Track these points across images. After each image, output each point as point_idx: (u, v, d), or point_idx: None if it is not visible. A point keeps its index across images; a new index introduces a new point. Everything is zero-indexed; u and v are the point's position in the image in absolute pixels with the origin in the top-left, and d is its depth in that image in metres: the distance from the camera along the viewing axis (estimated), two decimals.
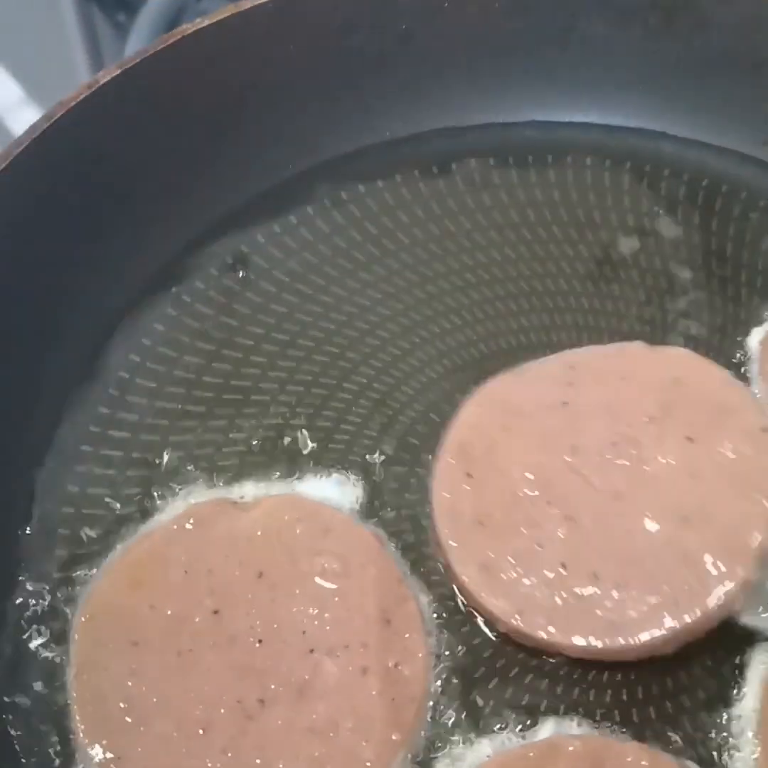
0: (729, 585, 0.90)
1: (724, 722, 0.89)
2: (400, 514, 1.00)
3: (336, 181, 1.24)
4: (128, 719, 0.88)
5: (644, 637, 0.89)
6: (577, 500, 0.95)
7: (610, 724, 0.89)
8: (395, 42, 1.24)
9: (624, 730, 0.89)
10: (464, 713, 0.90)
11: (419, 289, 1.15)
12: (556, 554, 0.92)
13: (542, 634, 0.90)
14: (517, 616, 0.90)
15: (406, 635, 0.91)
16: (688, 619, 0.89)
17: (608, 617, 0.89)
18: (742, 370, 1.06)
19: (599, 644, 0.89)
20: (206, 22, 1.14)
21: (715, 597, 0.89)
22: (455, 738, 0.89)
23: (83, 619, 0.93)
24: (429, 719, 0.89)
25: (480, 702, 0.90)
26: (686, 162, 1.27)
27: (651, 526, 0.93)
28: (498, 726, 0.89)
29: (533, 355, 1.07)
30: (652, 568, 0.91)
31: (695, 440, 0.97)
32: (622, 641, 0.89)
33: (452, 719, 0.89)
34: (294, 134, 1.24)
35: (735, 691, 0.90)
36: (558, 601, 0.90)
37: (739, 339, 1.10)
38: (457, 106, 1.29)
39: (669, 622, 0.89)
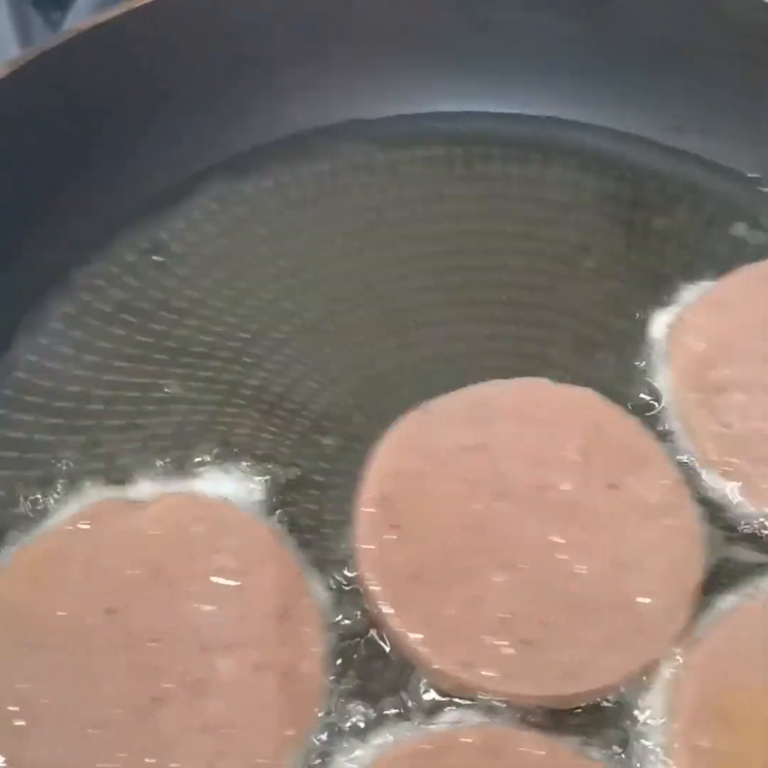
0: (674, 627, 0.90)
1: (630, 708, 0.89)
2: (301, 509, 0.99)
3: (233, 177, 1.23)
4: (21, 722, 0.86)
5: (597, 683, 0.88)
6: (512, 547, 0.93)
7: (509, 715, 0.88)
8: (301, 35, 1.23)
9: (523, 719, 0.88)
10: (362, 707, 0.88)
11: (317, 293, 1.15)
12: (499, 603, 0.90)
13: (494, 687, 0.87)
14: (466, 670, 0.88)
15: (303, 631, 0.90)
16: (639, 663, 0.88)
17: (561, 665, 0.88)
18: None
19: (554, 693, 0.88)
20: (100, 19, 1.13)
21: (664, 641, 0.89)
22: (353, 732, 0.87)
23: None
24: (327, 714, 0.88)
25: (376, 695, 0.89)
26: (595, 149, 1.27)
27: (591, 571, 0.92)
28: (397, 719, 0.88)
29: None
30: (598, 614, 0.90)
31: (618, 487, 0.97)
32: (577, 689, 0.88)
33: (350, 713, 0.88)
34: (195, 131, 1.24)
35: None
36: (508, 651, 0.88)
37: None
38: (365, 99, 1.29)
39: (622, 668, 0.88)
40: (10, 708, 0.86)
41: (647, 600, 0.91)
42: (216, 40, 1.21)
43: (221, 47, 1.22)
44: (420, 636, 0.89)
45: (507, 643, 0.89)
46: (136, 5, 1.14)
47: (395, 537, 0.94)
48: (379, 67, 1.27)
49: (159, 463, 1.01)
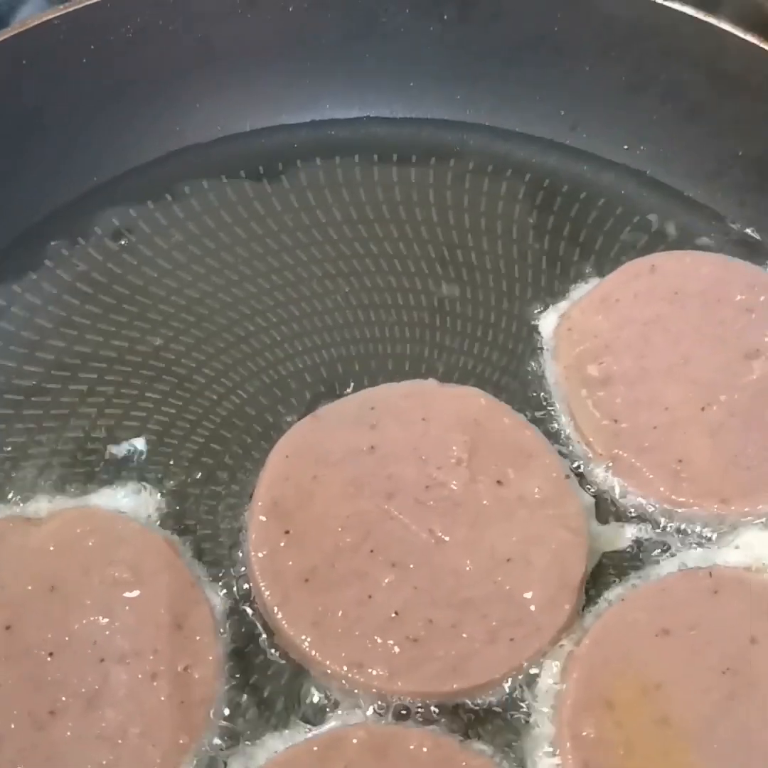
0: (559, 620, 0.92)
1: (517, 701, 0.91)
2: (197, 519, 1.01)
3: (140, 191, 1.25)
4: None
5: (483, 678, 0.90)
6: (400, 546, 0.95)
7: (398, 713, 0.90)
8: (193, 47, 1.24)
9: (411, 716, 0.90)
10: (255, 712, 0.90)
11: (214, 303, 1.17)
12: (387, 603, 0.92)
13: (383, 685, 0.89)
14: (355, 669, 0.90)
15: (198, 638, 0.92)
16: (524, 657, 0.91)
17: (447, 661, 0.90)
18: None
19: (442, 689, 0.90)
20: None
21: (547, 633, 0.91)
22: (246, 737, 0.89)
23: None
24: (220, 720, 0.89)
25: (270, 699, 0.92)
26: (487, 150, 1.30)
27: (476, 567, 0.94)
28: (289, 722, 0.90)
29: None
30: (482, 609, 0.92)
31: (504, 483, 0.99)
32: (463, 684, 0.90)
33: (243, 718, 0.90)
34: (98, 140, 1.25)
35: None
36: (396, 650, 0.90)
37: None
38: (261, 108, 1.31)
39: (507, 662, 0.90)
40: None
41: (530, 594, 0.92)
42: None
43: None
44: (310, 639, 0.91)
45: (394, 641, 0.90)
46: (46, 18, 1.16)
47: (285, 543, 0.95)
48: (271, 77, 1.29)
49: (56, 480, 1.03)
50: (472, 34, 1.27)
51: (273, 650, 0.94)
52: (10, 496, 1.02)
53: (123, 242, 1.21)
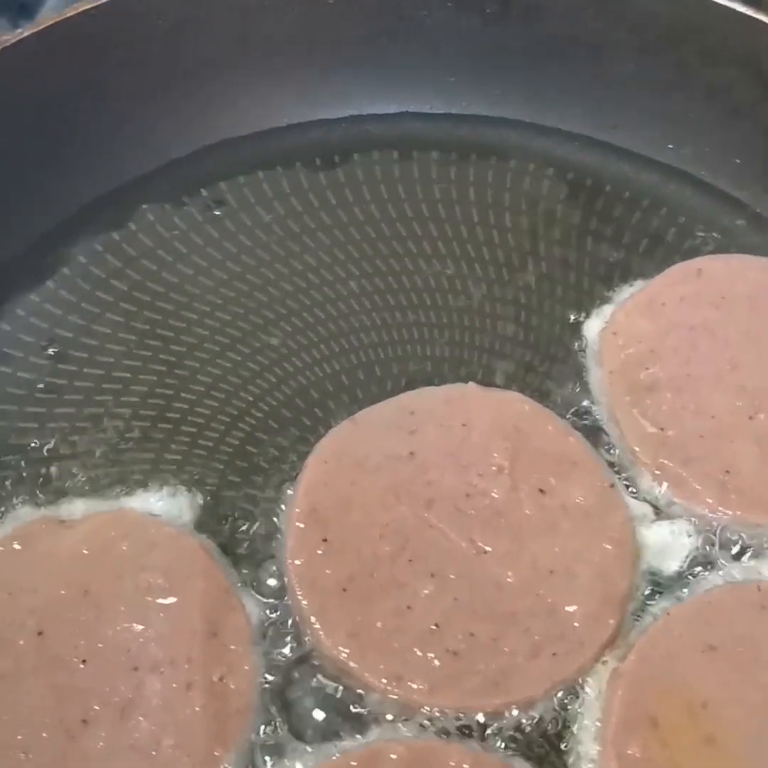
0: (602, 635, 0.89)
1: (559, 718, 0.89)
2: (232, 524, 0.99)
3: (176, 187, 1.24)
4: None
5: (525, 693, 0.88)
6: (440, 556, 0.93)
7: (437, 727, 0.88)
8: (229, 41, 1.22)
9: (451, 731, 0.88)
10: (291, 724, 0.88)
11: (241, 307, 1.15)
12: (426, 614, 0.90)
13: (422, 699, 0.87)
14: (394, 682, 0.87)
15: (233, 647, 0.90)
16: (567, 672, 0.88)
17: (488, 676, 0.88)
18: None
19: (483, 704, 0.87)
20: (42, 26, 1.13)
21: (590, 648, 0.89)
22: (281, 750, 0.87)
23: None
24: (255, 732, 0.88)
25: (306, 712, 0.89)
26: (530, 149, 1.27)
27: (517, 579, 0.92)
28: (326, 735, 0.88)
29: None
30: (524, 623, 0.90)
31: (547, 492, 0.96)
32: (505, 700, 0.87)
33: (278, 730, 0.88)
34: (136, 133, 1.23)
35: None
36: (436, 663, 0.88)
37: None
38: (299, 102, 1.29)
39: (550, 678, 0.88)
40: None
41: (573, 608, 0.90)
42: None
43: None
44: (348, 650, 0.89)
45: (434, 654, 0.88)
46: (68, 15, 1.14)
47: (323, 551, 0.93)
48: (309, 72, 1.27)
49: (90, 481, 1.01)
50: (513, 29, 1.26)
51: (309, 660, 0.91)
52: (42, 497, 1.00)
53: (156, 238, 1.18)
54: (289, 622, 0.93)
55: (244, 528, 0.99)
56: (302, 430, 1.05)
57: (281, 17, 1.23)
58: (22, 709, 0.88)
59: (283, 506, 0.99)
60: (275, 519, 0.99)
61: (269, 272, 1.17)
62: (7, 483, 1.01)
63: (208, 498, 1.01)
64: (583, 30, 1.23)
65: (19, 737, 0.86)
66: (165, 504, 1.00)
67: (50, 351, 1.10)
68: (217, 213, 1.21)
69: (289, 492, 0.99)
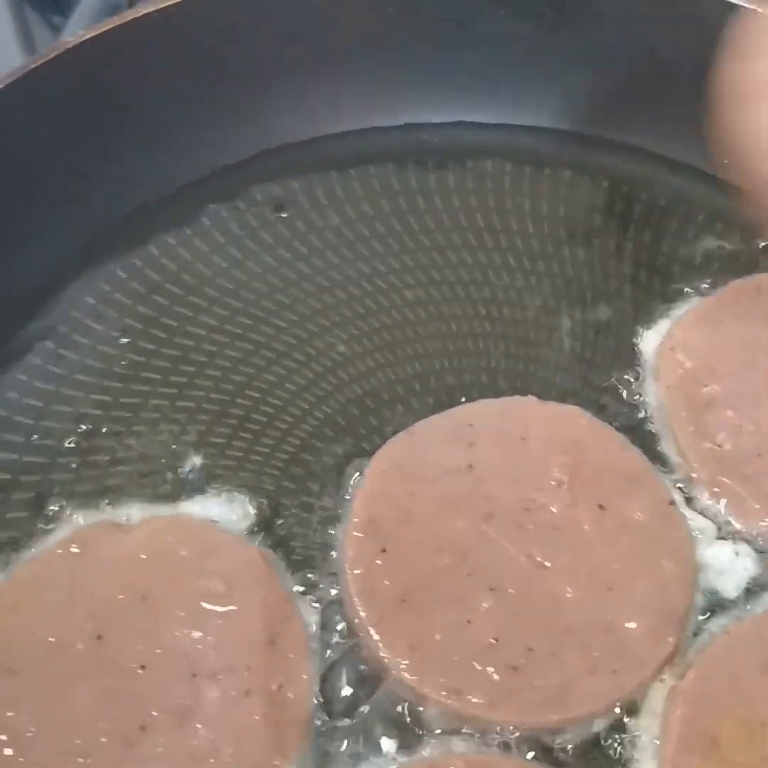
0: (662, 652, 0.89)
1: (618, 735, 0.89)
2: (288, 532, 0.99)
3: (230, 192, 1.23)
4: (6, 751, 0.86)
5: (584, 710, 0.87)
6: (499, 570, 0.92)
7: (495, 742, 0.87)
8: (285, 46, 1.22)
9: (508, 746, 0.87)
10: (347, 736, 0.88)
11: (296, 313, 1.15)
12: (485, 628, 0.90)
13: (481, 713, 0.87)
14: (454, 696, 0.87)
15: (291, 656, 0.90)
16: (626, 690, 0.88)
17: (547, 691, 0.87)
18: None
19: (542, 720, 0.87)
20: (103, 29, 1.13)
21: (650, 666, 0.89)
22: (339, 761, 0.87)
23: None
24: (313, 742, 0.88)
25: (362, 723, 0.89)
26: (586, 160, 1.27)
27: (577, 595, 0.91)
28: (383, 747, 0.88)
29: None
30: (584, 639, 0.89)
31: (606, 508, 0.96)
32: (564, 716, 0.87)
33: (335, 742, 0.88)
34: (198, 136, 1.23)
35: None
36: (495, 677, 0.88)
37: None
38: (352, 109, 1.28)
39: (609, 694, 0.87)
40: None
41: (634, 624, 0.90)
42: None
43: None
44: (406, 662, 0.88)
45: (494, 669, 0.88)
46: (139, 14, 1.14)
47: (381, 561, 0.93)
48: (361, 79, 1.27)
49: (147, 485, 1.01)
50: (566, 39, 1.24)
51: (366, 671, 0.91)
52: (100, 501, 1.00)
53: (213, 242, 1.18)
54: (345, 631, 0.93)
55: (299, 535, 0.99)
56: (357, 439, 1.05)
57: (340, 24, 1.22)
58: (80, 713, 0.87)
59: (339, 515, 0.99)
60: (331, 527, 0.99)
61: (323, 280, 1.16)
62: (65, 485, 1.01)
63: (264, 504, 1.00)
64: (638, 40, 1.22)
65: (77, 742, 0.86)
66: (222, 509, 0.99)
67: (112, 350, 1.10)
68: (284, 215, 1.21)
69: (347, 497, 1.00)
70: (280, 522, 1.00)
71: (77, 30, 1.31)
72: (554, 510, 0.95)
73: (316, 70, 1.25)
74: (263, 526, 0.99)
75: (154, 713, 0.87)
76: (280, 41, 1.23)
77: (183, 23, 1.17)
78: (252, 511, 1.00)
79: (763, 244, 1.18)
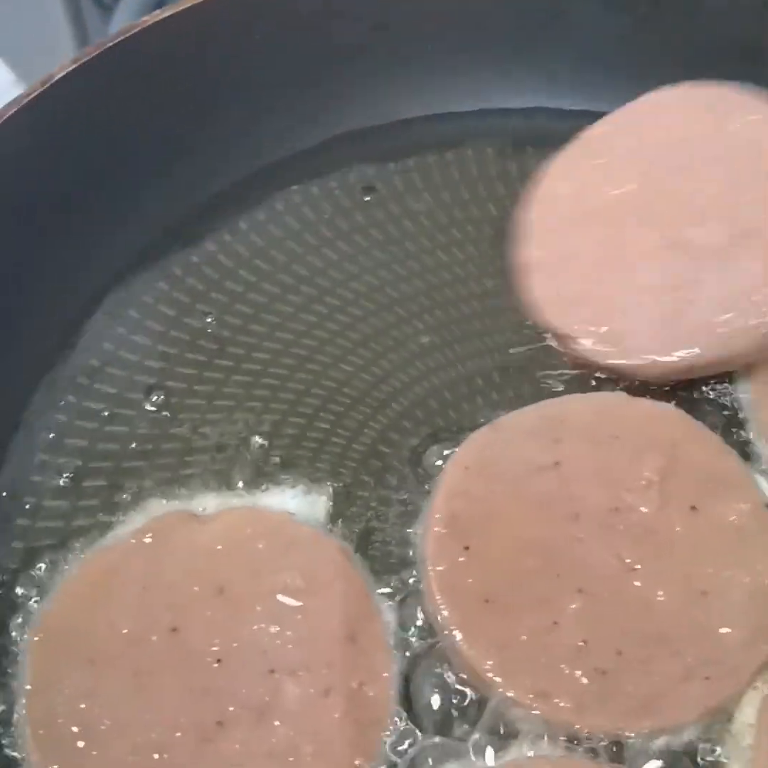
0: (757, 660, 0.86)
1: (709, 744, 0.86)
2: (366, 527, 0.96)
3: (304, 176, 1.22)
4: (82, 743, 0.84)
5: (675, 718, 0.84)
6: (587, 571, 0.89)
7: (583, 747, 0.85)
8: (371, 33, 1.20)
9: (596, 751, 0.85)
10: (428, 737, 0.86)
11: (372, 303, 1.12)
12: (573, 631, 0.87)
13: (569, 718, 0.84)
14: (541, 699, 0.84)
15: (371, 654, 0.88)
16: (719, 698, 0.85)
17: (638, 697, 0.84)
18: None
19: (632, 726, 0.84)
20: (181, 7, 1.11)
21: (744, 674, 0.85)
22: (421, 761, 0.85)
23: (36, 638, 0.89)
24: (394, 742, 0.85)
25: (444, 724, 0.87)
26: None
27: (669, 599, 0.88)
28: (466, 749, 0.85)
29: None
30: (676, 644, 0.86)
31: (699, 510, 0.92)
32: (655, 723, 0.84)
33: (416, 743, 0.85)
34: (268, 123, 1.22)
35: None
36: (583, 681, 0.85)
37: None
38: (430, 94, 1.26)
39: (702, 702, 0.84)
40: (72, 728, 0.84)
41: (728, 630, 0.87)
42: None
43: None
44: (491, 662, 0.86)
45: (582, 672, 0.85)
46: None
47: (465, 559, 0.90)
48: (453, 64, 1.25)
49: (221, 475, 0.99)
50: (660, 31, 1.21)
51: (448, 672, 0.89)
52: (177, 491, 0.98)
53: (288, 228, 1.17)
54: (426, 629, 0.90)
55: (377, 529, 0.96)
56: (436, 431, 1.02)
57: (426, 9, 1.20)
58: (157, 707, 0.86)
59: (418, 510, 0.96)
60: (410, 522, 0.96)
61: (400, 269, 1.14)
62: (139, 474, 0.99)
63: (341, 497, 0.98)
64: (735, 35, 1.18)
65: (152, 736, 0.84)
66: (298, 501, 0.97)
67: (184, 336, 1.09)
68: (367, 199, 1.18)
69: (425, 488, 0.97)
70: (356, 515, 0.97)
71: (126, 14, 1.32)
72: (644, 511, 0.92)
73: (397, 52, 1.23)
74: (339, 519, 0.97)
75: (231, 709, 0.85)
76: (368, 26, 1.21)
77: (263, 7, 1.16)
78: (328, 503, 0.97)
79: None
